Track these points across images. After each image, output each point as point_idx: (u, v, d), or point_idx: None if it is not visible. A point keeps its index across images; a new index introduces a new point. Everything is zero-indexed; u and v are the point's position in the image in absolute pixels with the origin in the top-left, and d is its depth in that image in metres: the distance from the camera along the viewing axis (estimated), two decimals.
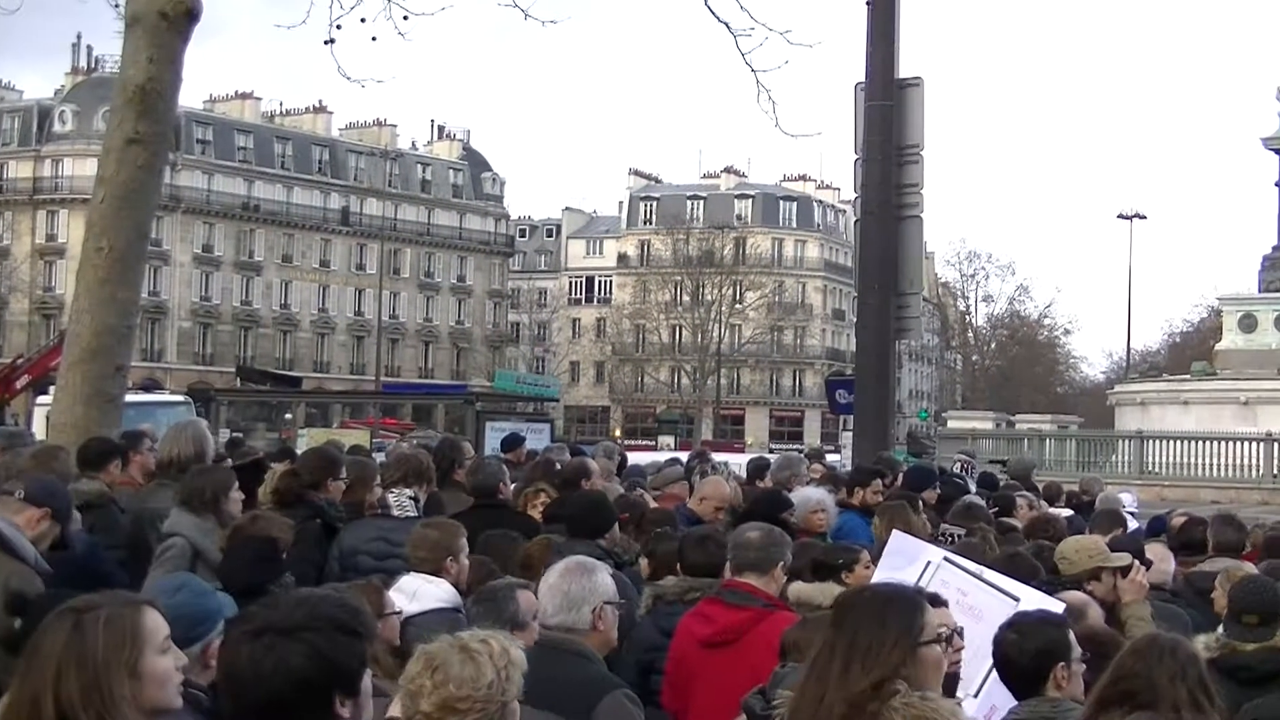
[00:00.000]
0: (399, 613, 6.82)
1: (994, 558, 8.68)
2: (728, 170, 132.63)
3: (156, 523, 9.22)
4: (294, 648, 3.83)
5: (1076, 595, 7.67)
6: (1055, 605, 6.68)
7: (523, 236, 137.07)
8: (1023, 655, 6.02)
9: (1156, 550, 10.31)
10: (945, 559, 6.71)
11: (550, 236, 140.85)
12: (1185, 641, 5.79)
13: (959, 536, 10.70)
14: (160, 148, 10.50)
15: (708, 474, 14.15)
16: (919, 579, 6.53)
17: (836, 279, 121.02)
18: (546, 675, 6.30)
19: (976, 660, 6.15)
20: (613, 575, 7.03)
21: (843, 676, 4.34)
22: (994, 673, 6.15)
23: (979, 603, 6.44)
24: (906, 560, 6.76)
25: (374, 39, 14.60)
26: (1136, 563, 8.82)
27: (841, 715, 4.29)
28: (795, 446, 76.29)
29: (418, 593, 7.39)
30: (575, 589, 6.47)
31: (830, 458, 32.20)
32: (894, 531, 7.90)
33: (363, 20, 14.14)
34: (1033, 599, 6.50)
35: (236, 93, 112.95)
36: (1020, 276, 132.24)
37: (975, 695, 6.26)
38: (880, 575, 6.97)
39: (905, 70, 17.97)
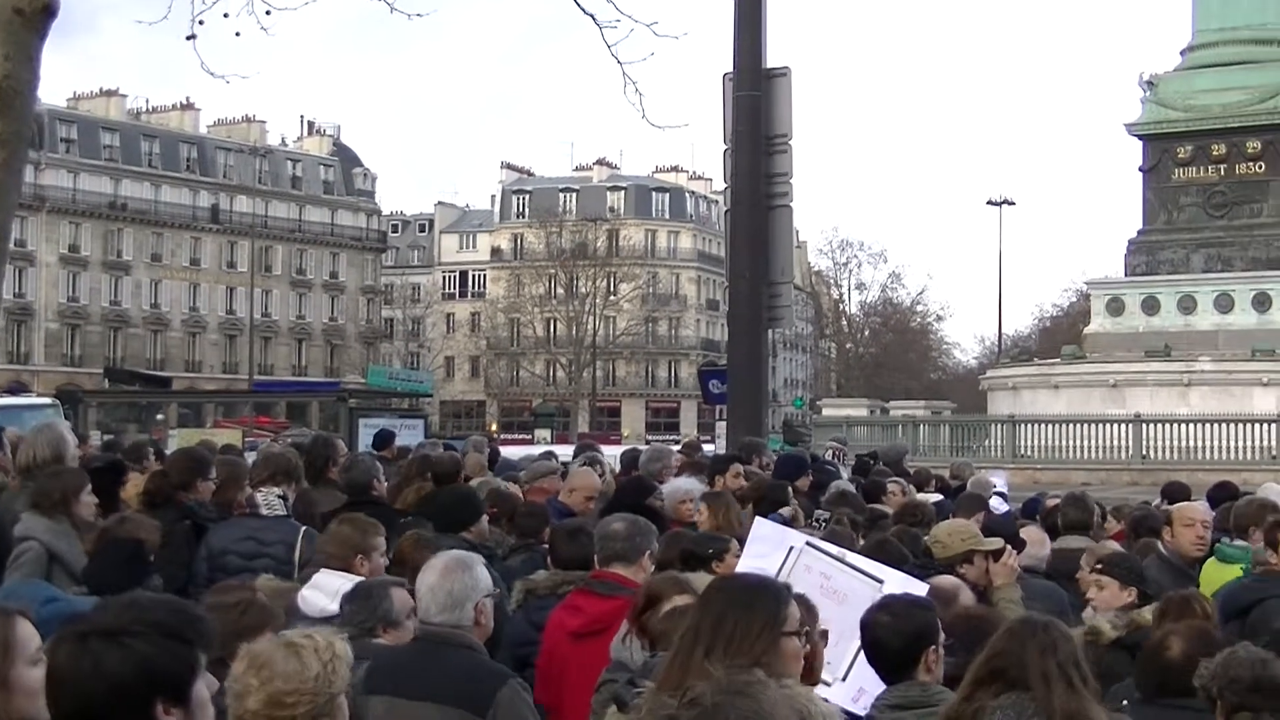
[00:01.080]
0: None
1: (860, 545, 8.77)
2: (600, 162, 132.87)
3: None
4: (113, 651, 3.69)
5: (947, 579, 7.73)
6: (919, 588, 6.72)
7: (395, 232, 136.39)
8: (895, 638, 6.04)
9: (1031, 533, 10.46)
10: (808, 544, 6.74)
11: (423, 231, 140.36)
12: (1057, 621, 5.85)
13: (826, 521, 10.79)
14: (19, 147, 10.29)
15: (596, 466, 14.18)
16: (782, 565, 6.55)
17: (710, 269, 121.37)
18: (436, 670, 6.31)
19: (843, 643, 6.18)
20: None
21: (705, 662, 4.34)
22: (861, 655, 6.19)
23: (843, 586, 6.48)
24: (770, 547, 6.77)
25: (238, 34, 14.38)
26: (1008, 547, 8.91)
27: None
28: (672, 437, 76.46)
29: (339, 590, 7.28)
30: (458, 587, 6.43)
31: (707, 448, 32.36)
32: (757, 519, 7.93)
33: (225, 15, 13.94)
34: (896, 581, 6.54)
35: (101, 90, 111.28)
36: (893, 264, 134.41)
37: (844, 679, 6.29)
38: (744, 563, 6.98)
39: (773, 60, 18.01)
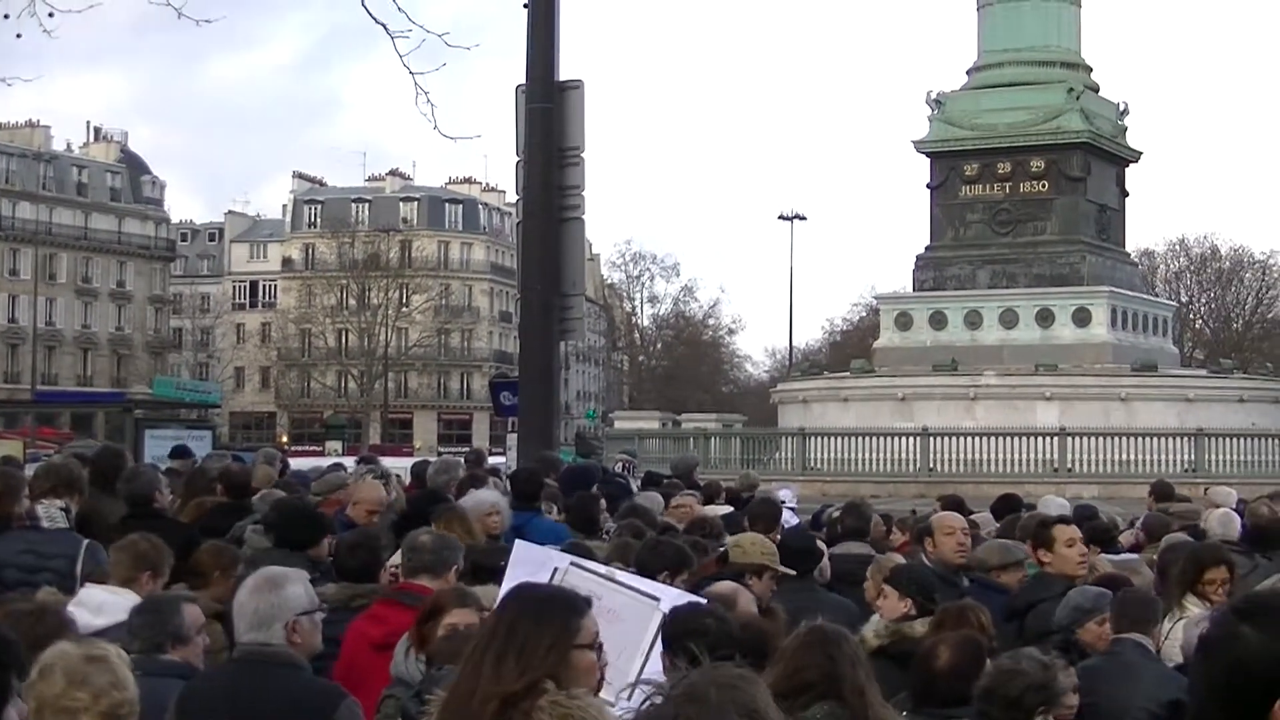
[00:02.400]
0: None
1: (635, 550, 8.84)
2: (393, 173, 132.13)
3: None
4: None
5: (726, 584, 7.76)
6: (698, 600, 6.73)
7: (184, 241, 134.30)
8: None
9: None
10: (572, 564, 6.70)
11: (213, 241, 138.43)
12: (846, 630, 5.91)
13: (615, 534, 10.84)
14: None
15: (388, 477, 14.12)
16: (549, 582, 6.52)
17: (503, 281, 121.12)
18: (262, 691, 6.14)
19: (623, 661, 6.16)
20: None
21: (496, 673, 4.31)
22: (647, 669, 6.17)
23: (616, 605, 6.44)
24: (533, 568, 6.71)
25: (19, 36, 14.09)
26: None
27: (493, 713, 4.25)
28: (464, 449, 76.16)
29: (102, 606, 7.11)
30: (264, 606, 6.29)
31: (497, 459, 32.25)
32: (517, 542, 7.90)
33: (5, 16, 13.64)
34: (671, 598, 6.54)
35: None
36: (685, 277, 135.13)
37: (629, 698, 6.29)
38: (508, 586, 6.94)
39: (566, 73, 18.02)
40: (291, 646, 6.30)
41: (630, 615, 6.35)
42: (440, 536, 8.21)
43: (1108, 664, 7.82)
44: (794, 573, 9.28)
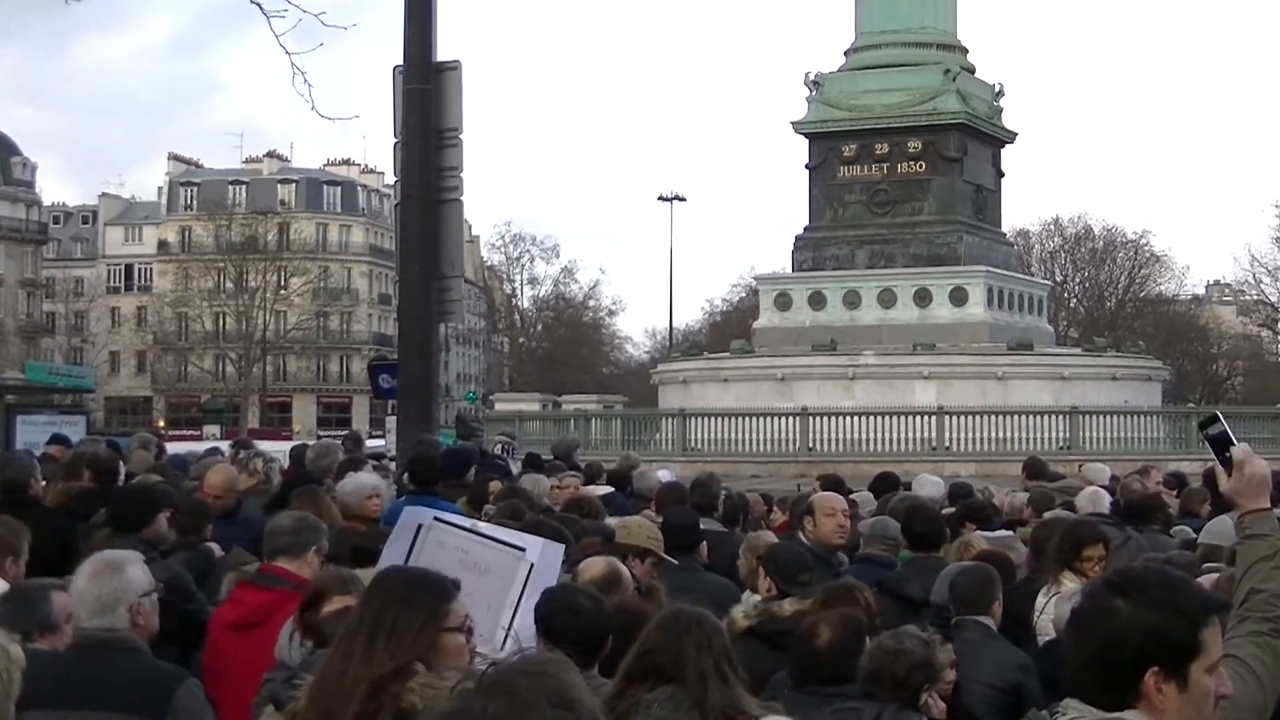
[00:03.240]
0: None
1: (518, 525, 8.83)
2: (270, 155, 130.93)
3: None
4: None
5: (600, 565, 7.71)
6: (559, 550, 6.72)
7: (57, 224, 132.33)
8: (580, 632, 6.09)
9: None
10: (436, 519, 6.70)
11: (86, 224, 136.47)
12: (709, 614, 5.92)
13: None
14: None
15: (251, 462, 14.00)
16: (413, 544, 6.50)
17: (382, 263, 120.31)
18: (100, 675, 6.09)
19: (492, 613, 6.18)
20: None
21: (366, 655, 4.29)
22: (516, 622, 6.21)
23: (483, 558, 6.44)
24: (401, 529, 6.72)
25: None
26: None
27: (364, 695, 4.23)
28: (344, 433, 75.72)
29: None
30: (106, 591, 6.23)
31: (376, 442, 32.11)
32: (407, 509, 7.89)
33: None
34: (536, 547, 6.54)
35: None
36: (565, 259, 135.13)
37: (501, 649, 6.30)
38: (385, 551, 6.91)
39: (443, 54, 17.91)
40: (134, 629, 6.28)
41: (498, 568, 6.36)
42: (300, 518, 8.17)
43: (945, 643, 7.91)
44: (675, 562, 9.31)
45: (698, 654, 5.49)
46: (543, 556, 6.47)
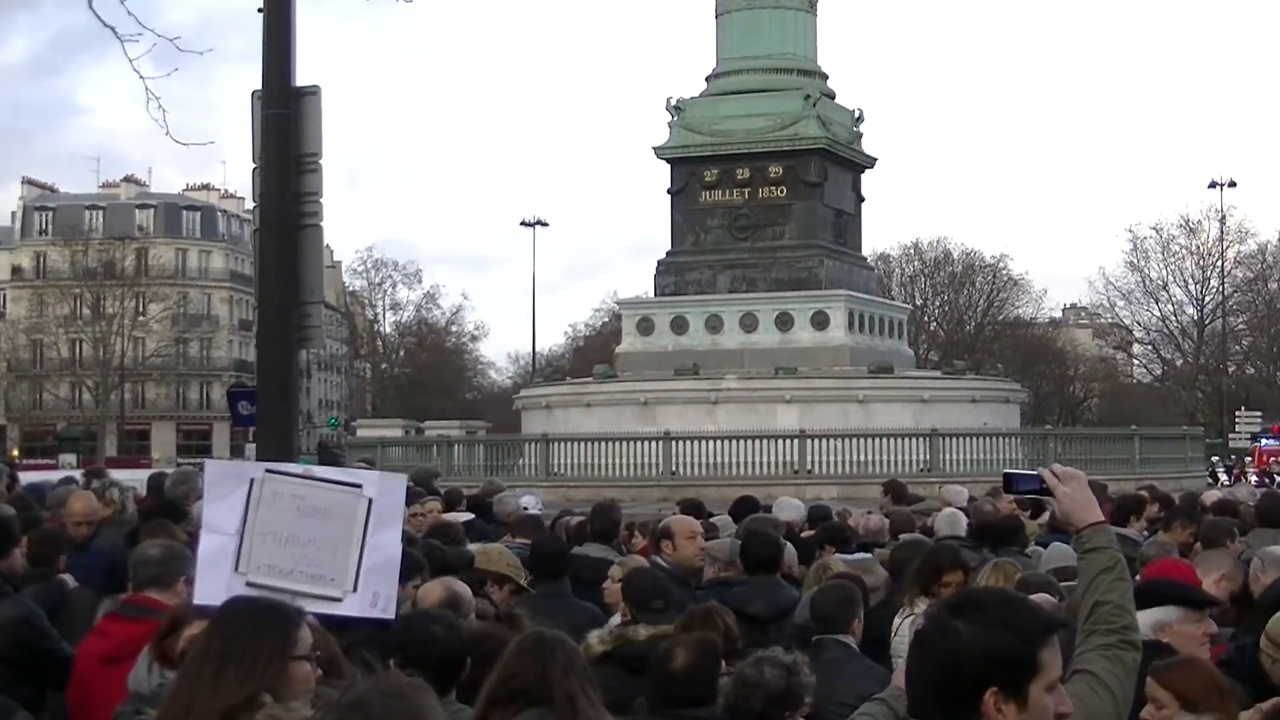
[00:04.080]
0: None
1: None
2: (128, 179, 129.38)
3: None
4: None
5: (437, 589, 7.68)
6: (398, 482, 6.70)
7: None
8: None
9: None
10: (268, 470, 6.66)
11: None
12: (568, 638, 5.93)
13: None
14: None
15: (107, 491, 13.81)
16: (248, 498, 6.45)
17: (242, 289, 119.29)
18: None
19: (341, 555, 6.17)
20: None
21: (215, 685, 4.26)
22: (366, 562, 6.20)
23: (322, 501, 6.42)
24: (232, 485, 6.63)
25: None
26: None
27: None
28: (204, 460, 74.96)
29: None
30: None
31: None
32: (207, 463, 7.83)
33: None
34: (373, 481, 6.53)
35: None
36: (427, 284, 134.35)
37: (354, 590, 6.28)
38: (209, 510, 6.80)
39: (303, 79, 17.77)
40: None
41: (338, 509, 6.33)
42: (168, 547, 8.07)
43: (810, 663, 7.97)
44: (533, 591, 9.32)
45: (564, 676, 5.50)
46: (381, 489, 6.45)
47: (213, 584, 6.36)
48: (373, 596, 6.28)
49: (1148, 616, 7.10)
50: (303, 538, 6.32)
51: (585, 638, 7.84)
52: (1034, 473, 4.96)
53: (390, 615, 6.28)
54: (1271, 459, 68.99)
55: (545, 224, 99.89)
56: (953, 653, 3.84)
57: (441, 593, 7.47)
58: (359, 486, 6.45)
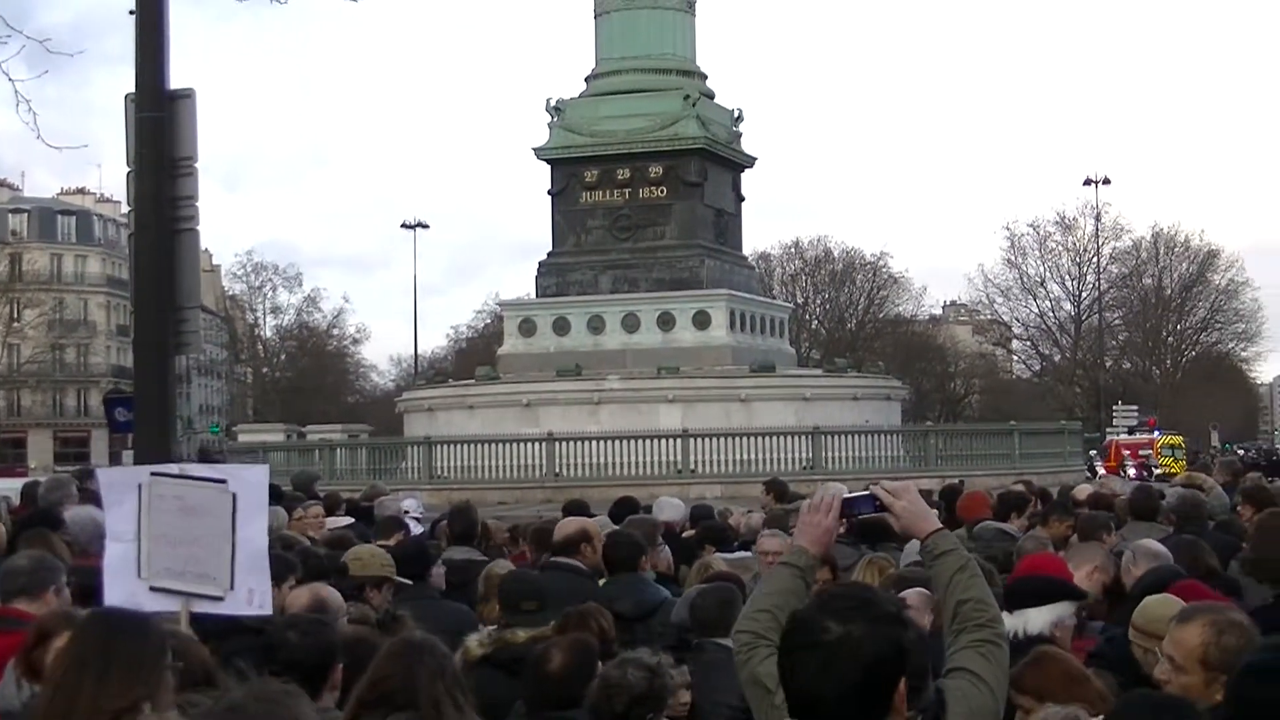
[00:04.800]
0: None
1: None
2: (0, 184, 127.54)
3: None
4: None
5: (303, 596, 7.65)
6: (259, 472, 6.71)
7: None
8: (306, 655, 6.02)
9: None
10: (153, 474, 6.66)
11: None
12: (439, 642, 5.92)
13: None
14: None
15: None
16: (139, 501, 6.45)
17: (120, 294, 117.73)
18: None
19: (219, 552, 6.18)
20: None
21: (99, 690, 4.21)
22: (240, 558, 6.22)
23: (198, 500, 6.44)
24: (124, 491, 6.65)
25: None
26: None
27: None
28: (81, 467, 74.03)
29: None
30: None
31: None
32: (99, 470, 7.84)
33: None
34: (237, 476, 6.56)
35: None
36: (308, 288, 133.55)
37: (232, 588, 6.28)
38: (110, 517, 6.80)
39: (177, 81, 17.60)
40: None
41: (211, 505, 6.37)
42: (38, 557, 7.97)
43: (690, 665, 8.00)
44: (409, 582, 9.29)
45: (430, 681, 5.49)
46: (243, 483, 6.46)
47: (120, 591, 6.37)
48: (248, 594, 6.30)
49: (1046, 614, 7.23)
50: (188, 537, 6.36)
51: (465, 640, 7.83)
52: (868, 493, 5.06)
53: (267, 610, 6.28)
54: (1126, 452, 69.40)
55: (426, 226, 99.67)
56: (873, 655, 3.92)
57: (308, 598, 7.44)
58: (223, 482, 6.46)
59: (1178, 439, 78.72)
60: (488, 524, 15.13)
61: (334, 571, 8.77)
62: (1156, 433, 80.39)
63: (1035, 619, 7.22)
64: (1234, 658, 5.52)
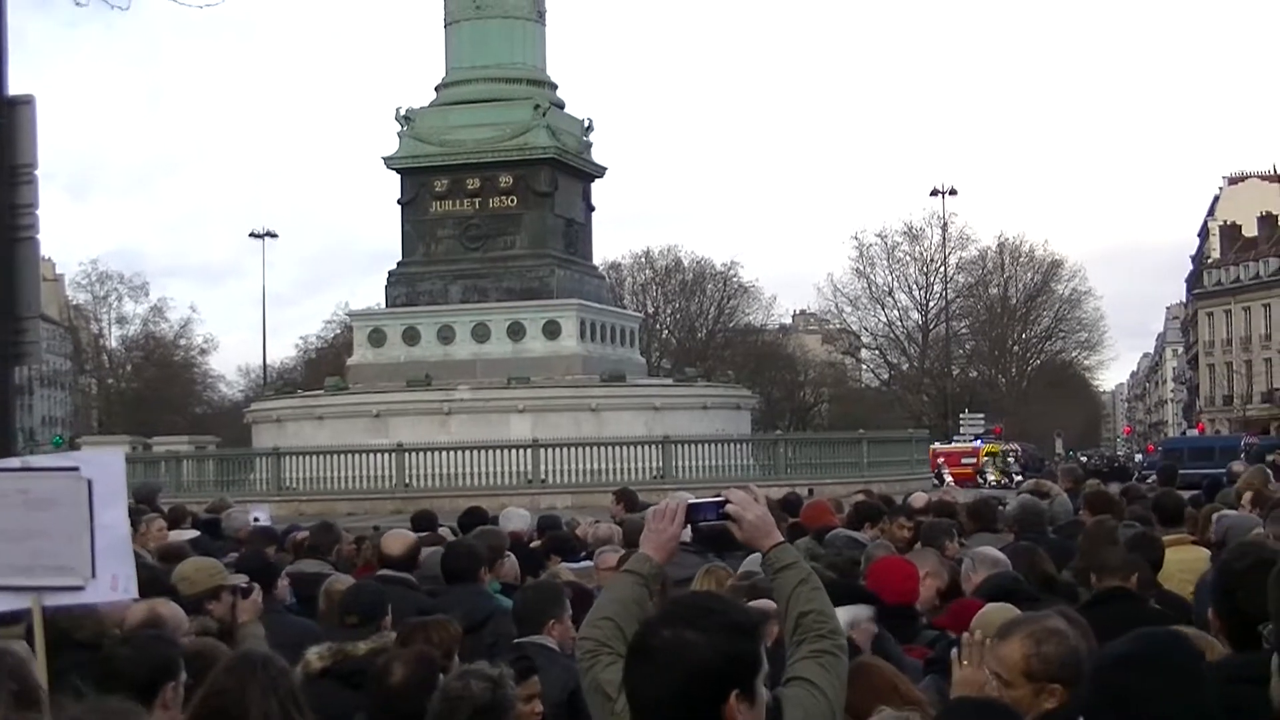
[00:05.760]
0: None
1: None
2: None
3: None
4: None
5: (140, 612, 7.58)
6: (115, 459, 6.64)
7: None
8: (135, 670, 5.95)
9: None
10: None
11: None
12: (276, 657, 5.89)
13: None
14: None
15: None
16: None
17: None
18: None
19: (75, 543, 6.11)
20: None
21: None
22: (99, 544, 6.15)
23: (46, 491, 6.35)
24: None
25: None
26: (255, 584, 8.95)
27: None
28: None
29: None
30: None
31: None
32: None
33: None
34: (87, 459, 6.48)
35: None
36: (154, 297, 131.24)
37: (93, 576, 6.20)
38: None
39: (16, 87, 17.34)
40: None
41: (62, 495, 6.28)
42: None
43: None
44: (246, 579, 9.18)
45: (263, 696, 5.46)
46: (98, 468, 6.38)
47: None
48: (112, 579, 6.23)
49: (843, 613, 7.29)
50: (35, 530, 6.25)
51: (304, 653, 7.77)
52: (716, 500, 5.07)
53: (133, 594, 6.22)
54: (941, 460, 69.75)
55: (275, 235, 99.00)
56: (697, 662, 3.92)
57: (143, 613, 7.35)
58: (76, 469, 6.37)
59: (996, 447, 79.82)
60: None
61: (168, 590, 8.66)
62: (977, 441, 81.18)
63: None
64: (1056, 666, 5.64)
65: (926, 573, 9.32)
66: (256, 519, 16.22)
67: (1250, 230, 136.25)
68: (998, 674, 5.79)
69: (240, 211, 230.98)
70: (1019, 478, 61.28)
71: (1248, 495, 15.50)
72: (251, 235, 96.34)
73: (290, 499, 38.76)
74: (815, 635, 4.73)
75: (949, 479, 58.39)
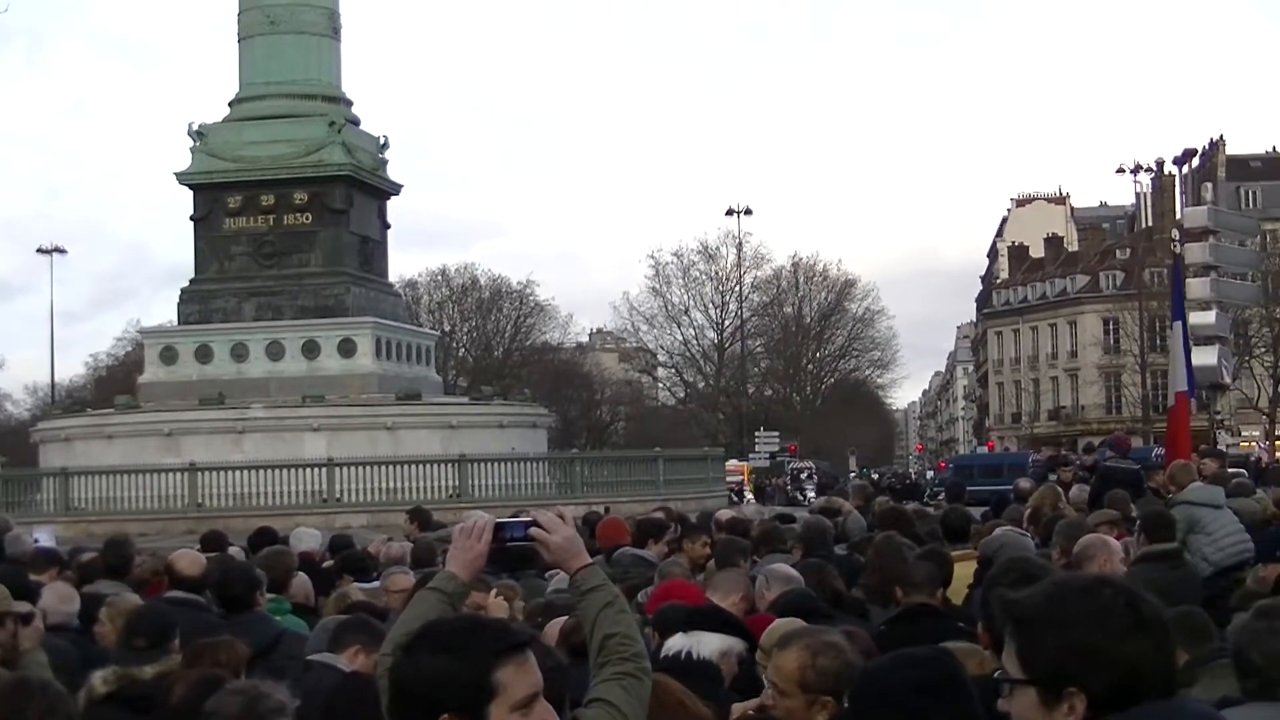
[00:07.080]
0: None
1: None
2: None
3: None
4: None
5: None
6: None
7: None
8: None
9: (59, 588, 10.39)
10: None
11: None
12: (54, 682, 5.85)
13: None
14: None
15: None
16: None
17: None
18: None
19: None
20: None
21: None
22: None
23: None
24: None
25: None
26: (38, 611, 8.84)
27: None
28: None
29: None
30: None
31: None
32: None
33: None
34: None
35: None
36: None
37: None
38: None
39: None
40: None
41: None
42: None
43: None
44: (29, 608, 9.03)
45: None
46: None
47: None
48: None
49: (717, 641, 7.38)
50: None
51: (89, 678, 7.67)
52: (524, 520, 5.10)
53: None
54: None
55: (63, 251, 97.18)
56: (405, 680, 3.99)
57: None
58: None
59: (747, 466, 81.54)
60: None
61: None
62: (732, 461, 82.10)
63: (709, 643, 7.34)
64: (830, 679, 5.79)
65: (740, 595, 9.30)
66: (37, 540, 15.95)
67: (1037, 251, 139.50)
68: (774, 683, 5.93)
69: (28, 227, 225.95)
70: (812, 495, 61.99)
71: (1027, 513, 15.96)
72: (39, 251, 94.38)
73: (79, 519, 38.11)
74: (619, 658, 4.77)
75: (749, 496, 58.91)
